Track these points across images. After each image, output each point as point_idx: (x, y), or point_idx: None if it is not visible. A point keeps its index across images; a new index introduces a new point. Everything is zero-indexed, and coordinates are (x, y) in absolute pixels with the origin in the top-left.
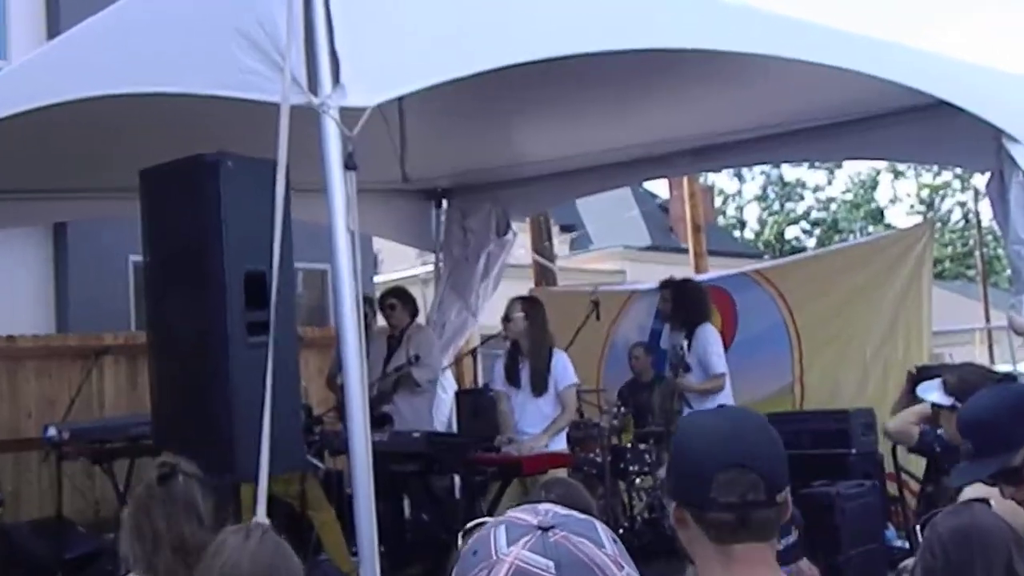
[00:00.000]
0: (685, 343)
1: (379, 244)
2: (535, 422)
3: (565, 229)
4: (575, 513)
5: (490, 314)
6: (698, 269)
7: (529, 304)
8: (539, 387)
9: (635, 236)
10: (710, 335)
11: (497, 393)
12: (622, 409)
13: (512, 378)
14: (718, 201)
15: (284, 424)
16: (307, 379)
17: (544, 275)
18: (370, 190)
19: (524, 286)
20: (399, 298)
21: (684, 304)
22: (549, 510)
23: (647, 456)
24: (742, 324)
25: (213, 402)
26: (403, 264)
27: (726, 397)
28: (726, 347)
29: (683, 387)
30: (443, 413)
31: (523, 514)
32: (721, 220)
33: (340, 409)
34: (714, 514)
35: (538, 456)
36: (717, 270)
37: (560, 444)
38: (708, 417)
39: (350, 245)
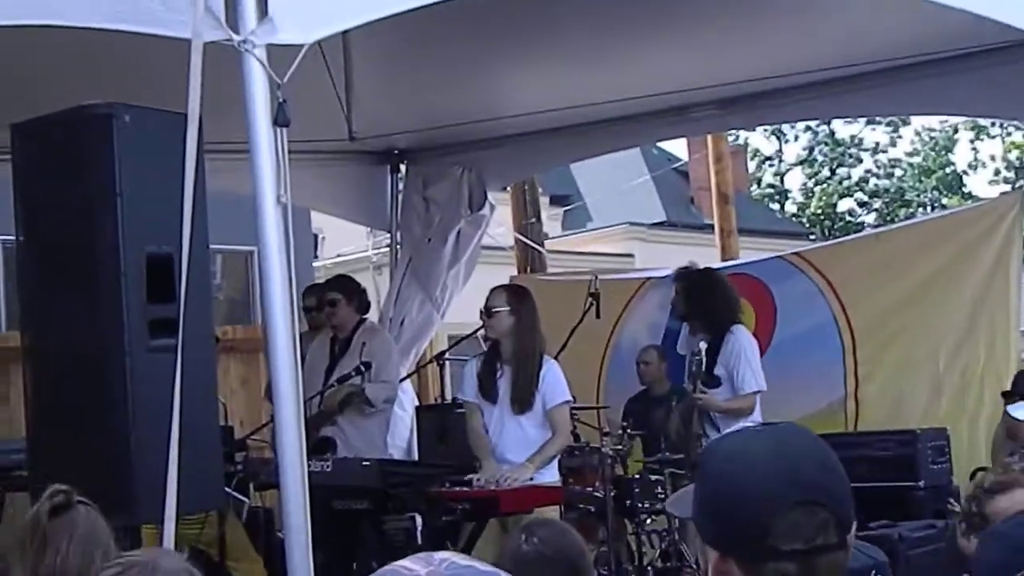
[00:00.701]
0: (703, 348)
1: (319, 220)
2: (516, 447)
3: (557, 201)
4: (477, 564)
5: (460, 310)
6: (726, 252)
7: (517, 296)
8: (522, 402)
9: (646, 210)
10: (742, 341)
11: (469, 408)
12: (628, 430)
13: (487, 390)
14: (752, 166)
15: (197, 451)
16: (227, 393)
17: (530, 260)
18: (308, 152)
19: (504, 274)
20: (344, 291)
21: (703, 300)
22: (445, 559)
23: (660, 490)
24: (781, 323)
25: (105, 423)
26: (349, 246)
27: (757, 416)
28: (762, 351)
29: (703, 406)
30: (400, 435)
31: (413, 564)
32: (755, 190)
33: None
34: (774, 564)
35: (521, 490)
36: (750, 254)
37: (550, 475)
38: (752, 440)
39: (281, 221)
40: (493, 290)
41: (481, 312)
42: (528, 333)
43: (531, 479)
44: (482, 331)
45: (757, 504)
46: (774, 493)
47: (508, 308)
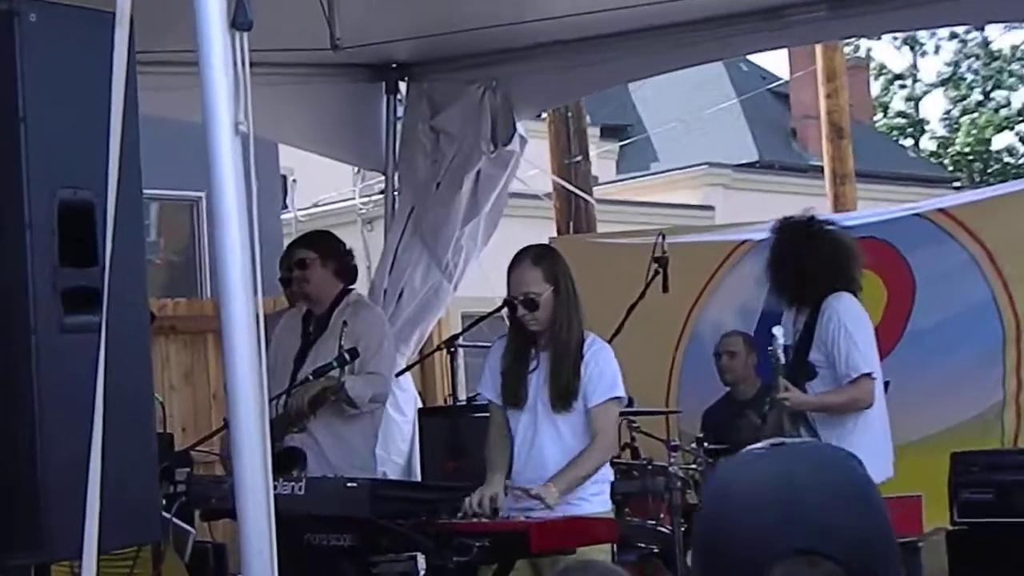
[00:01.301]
0: (780, 333)
1: (290, 158)
2: (554, 458)
3: (611, 134)
4: None
5: (479, 280)
6: (839, 203)
7: (550, 265)
8: (562, 397)
9: (731, 146)
10: (843, 310)
11: (492, 409)
12: (707, 444)
13: (513, 390)
14: (876, 87)
15: (127, 466)
16: (164, 389)
17: (574, 213)
18: (276, 66)
19: (539, 231)
20: (317, 248)
21: (795, 259)
22: None
23: None
24: (920, 305)
25: (4, 427)
26: (329, 192)
27: (876, 419)
28: (893, 341)
29: (789, 404)
30: (397, 447)
31: None
32: (880, 119)
33: (222, 440)
34: None
35: (560, 523)
36: (871, 206)
37: (597, 503)
38: (752, 467)
39: (240, 158)
40: (519, 263)
41: (510, 301)
42: (567, 309)
43: (565, 500)
44: (506, 310)
45: (748, 550)
46: (768, 537)
47: (551, 287)
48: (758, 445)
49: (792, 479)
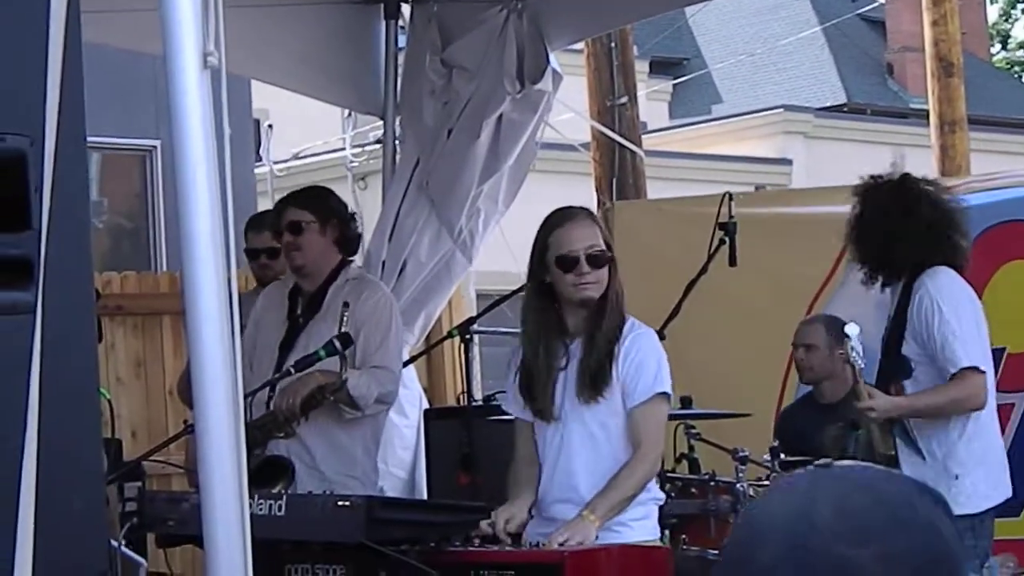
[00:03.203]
0: (856, 332)
1: (264, 98)
2: (584, 466)
3: (663, 69)
4: None
5: (500, 251)
6: (948, 158)
7: (593, 217)
8: (591, 382)
9: (812, 86)
10: (941, 286)
11: (519, 425)
12: (782, 455)
13: (539, 394)
14: (993, 13)
15: (66, 480)
16: (110, 383)
17: (618, 167)
18: None
19: (575, 190)
20: (317, 211)
21: (883, 228)
22: None
23: None
24: None
25: None
26: (313, 140)
27: (988, 425)
28: None
29: (875, 414)
30: (397, 456)
31: None
32: (999, 53)
33: (186, 446)
34: None
35: (600, 552)
36: (989, 161)
37: (641, 530)
38: (779, 494)
39: (209, 96)
40: (575, 217)
41: (571, 256)
42: (614, 275)
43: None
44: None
45: None
46: None
47: (610, 250)
48: (799, 471)
49: (811, 517)
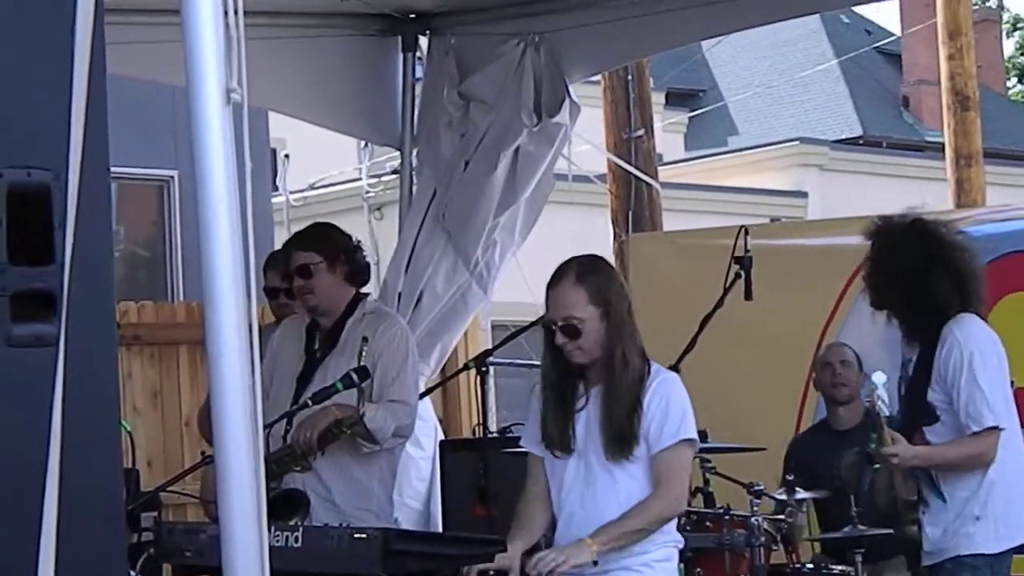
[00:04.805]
0: (881, 382)
1: (281, 128)
2: (612, 516)
3: (680, 102)
4: None
5: (516, 283)
6: (964, 191)
7: (597, 280)
8: (617, 444)
9: (828, 118)
10: (970, 337)
11: (531, 462)
12: (797, 490)
13: (558, 431)
14: (1009, 46)
15: (88, 512)
16: (127, 411)
17: (634, 199)
18: (268, 15)
19: (591, 222)
20: (324, 251)
21: (903, 273)
22: None
23: None
24: None
25: None
26: (329, 171)
27: (1013, 471)
28: None
29: (897, 462)
30: (413, 488)
31: None
32: (1016, 86)
33: (202, 476)
34: None
35: None
36: (1007, 193)
37: (662, 571)
38: None
39: (231, 131)
40: (559, 281)
41: (550, 324)
42: (617, 332)
43: (594, 563)
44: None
45: None
46: None
47: (600, 310)
48: None
49: None
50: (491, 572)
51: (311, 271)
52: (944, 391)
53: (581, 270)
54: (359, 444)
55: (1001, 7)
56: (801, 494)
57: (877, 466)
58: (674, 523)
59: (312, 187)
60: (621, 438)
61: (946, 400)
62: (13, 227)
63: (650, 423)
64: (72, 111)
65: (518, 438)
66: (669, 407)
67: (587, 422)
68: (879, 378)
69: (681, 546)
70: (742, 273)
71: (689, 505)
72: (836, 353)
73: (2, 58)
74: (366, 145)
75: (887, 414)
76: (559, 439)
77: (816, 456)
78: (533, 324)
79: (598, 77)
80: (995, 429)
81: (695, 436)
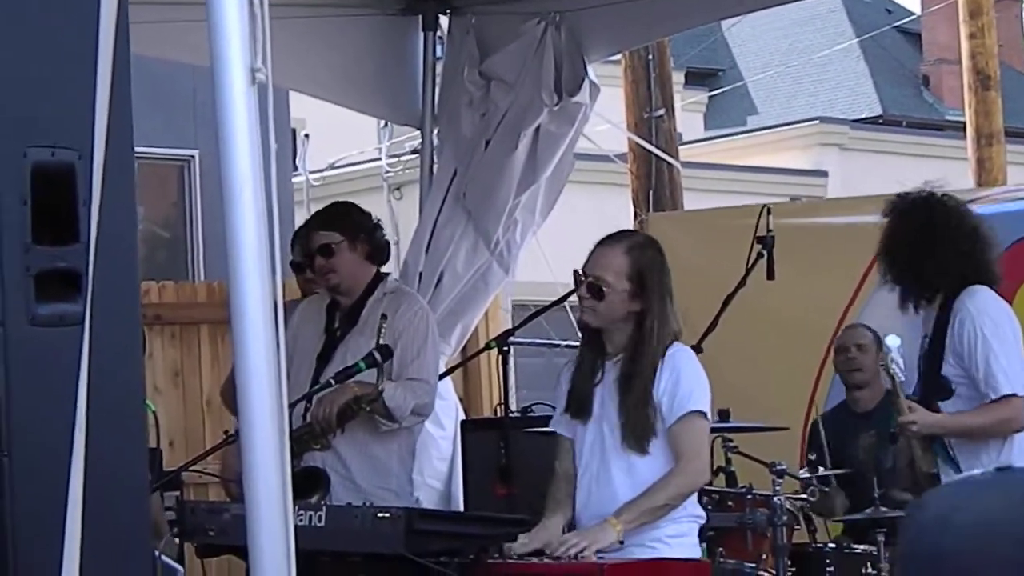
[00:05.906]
0: (895, 345)
1: (302, 108)
2: (626, 498)
3: (700, 81)
4: None
5: (537, 262)
6: (985, 171)
7: (648, 259)
8: (633, 434)
9: (848, 97)
10: (982, 309)
11: (561, 444)
12: (820, 468)
13: (580, 401)
14: None
15: (112, 489)
16: (150, 391)
17: (654, 179)
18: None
19: (611, 201)
20: (345, 230)
21: (916, 246)
22: None
23: (870, 568)
24: None
25: None
26: (349, 150)
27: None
28: None
29: (917, 428)
30: (433, 467)
31: None
32: None
33: (223, 456)
34: None
35: (638, 565)
36: None
37: (679, 547)
38: (980, 496)
39: (254, 113)
40: (608, 243)
41: (581, 277)
42: (650, 318)
43: (620, 543)
44: (573, 299)
45: None
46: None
47: (632, 287)
48: (978, 472)
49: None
50: (531, 550)
51: (332, 250)
52: (959, 364)
53: (635, 244)
54: (378, 422)
55: None
56: (823, 472)
57: (898, 444)
58: (695, 497)
59: (332, 167)
60: (637, 429)
61: (961, 374)
62: (37, 206)
63: (661, 397)
64: (97, 92)
65: (539, 418)
66: (680, 379)
67: (602, 398)
68: (893, 341)
69: (703, 522)
70: (764, 253)
71: (711, 484)
72: (852, 336)
73: (27, 39)
74: (386, 125)
75: (902, 379)
76: (579, 408)
77: (838, 435)
78: (554, 304)
79: (618, 56)
80: (1017, 396)
81: (705, 408)
